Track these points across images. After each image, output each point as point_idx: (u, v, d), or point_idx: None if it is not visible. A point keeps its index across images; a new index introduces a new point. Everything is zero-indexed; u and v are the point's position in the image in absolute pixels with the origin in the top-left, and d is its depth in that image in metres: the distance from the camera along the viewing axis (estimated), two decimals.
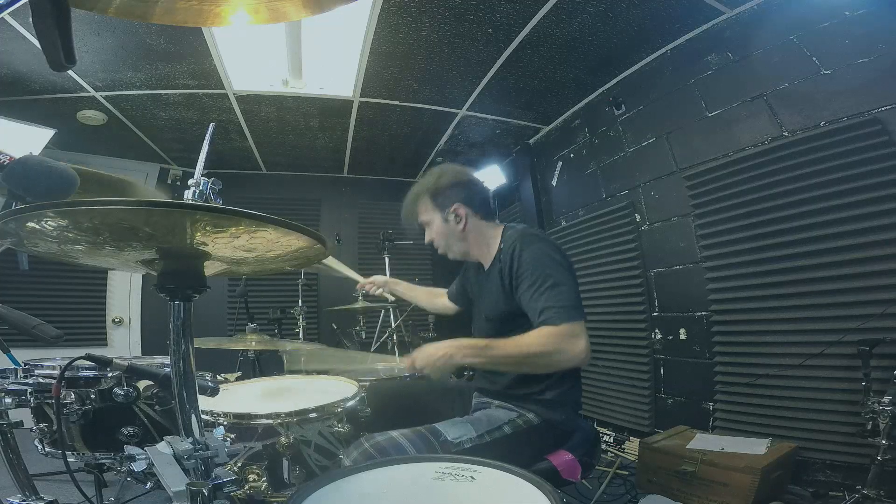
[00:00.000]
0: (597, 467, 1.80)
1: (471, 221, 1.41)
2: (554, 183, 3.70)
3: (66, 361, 1.10)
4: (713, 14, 2.28)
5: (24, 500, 1.07)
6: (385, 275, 2.62)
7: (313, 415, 1.20)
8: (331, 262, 1.96)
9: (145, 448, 0.73)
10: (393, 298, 2.46)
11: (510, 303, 1.28)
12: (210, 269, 0.75)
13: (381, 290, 1.96)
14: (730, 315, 2.30)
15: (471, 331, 1.52)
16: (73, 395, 1.13)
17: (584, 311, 1.17)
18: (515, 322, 1.25)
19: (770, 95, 2.13)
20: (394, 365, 1.69)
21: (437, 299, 1.83)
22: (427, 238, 1.48)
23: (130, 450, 0.75)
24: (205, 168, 0.82)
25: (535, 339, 1.13)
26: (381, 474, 0.83)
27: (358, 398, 1.32)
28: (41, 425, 1.18)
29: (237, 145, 3.77)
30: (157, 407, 1.20)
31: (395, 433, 1.10)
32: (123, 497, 1.99)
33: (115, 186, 0.92)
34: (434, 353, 1.14)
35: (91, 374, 1.16)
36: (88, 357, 1.07)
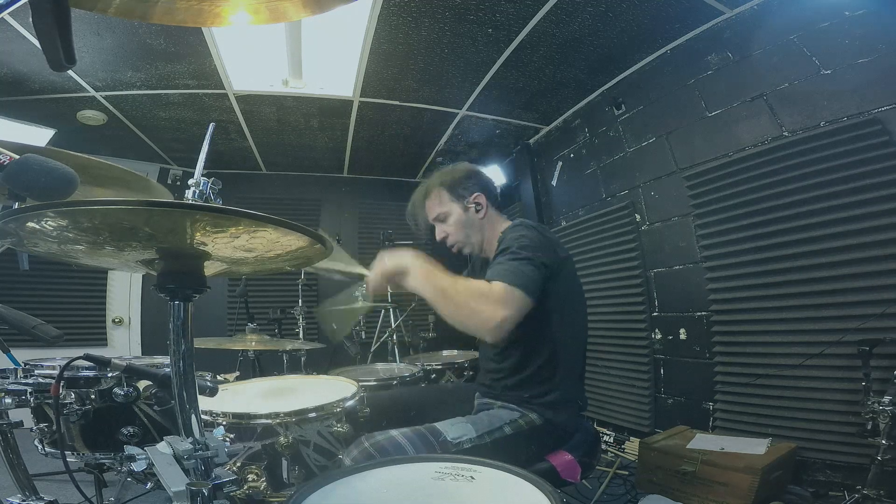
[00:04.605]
0: (597, 467, 1.80)
1: (489, 211, 1.44)
2: (554, 183, 3.70)
3: (65, 361, 1.10)
4: (713, 14, 2.28)
5: (24, 500, 1.07)
6: None
7: (312, 415, 1.20)
8: (332, 262, 1.95)
9: (145, 448, 0.73)
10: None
11: None
12: (210, 269, 0.75)
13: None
14: (730, 315, 2.29)
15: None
16: (72, 395, 1.13)
17: (534, 292, 1.10)
18: None
19: (770, 95, 2.13)
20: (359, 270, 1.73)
21: None
22: (441, 234, 1.46)
23: (130, 450, 0.75)
24: (205, 168, 0.82)
25: (466, 286, 1.08)
26: (381, 474, 0.83)
27: (357, 398, 1.32)
28: (41, 425, 1.18)
29: (237, 145, 3.77)
30: (156, 407, 1.20)
31: (395, 432, 1.10)
32: (123, 497, 1.99)
33: (131, 183, 0.93)
34: (394, 261, 1.15)
35: (91, 374, 1.16)
36: (87, 357, 1.07)
